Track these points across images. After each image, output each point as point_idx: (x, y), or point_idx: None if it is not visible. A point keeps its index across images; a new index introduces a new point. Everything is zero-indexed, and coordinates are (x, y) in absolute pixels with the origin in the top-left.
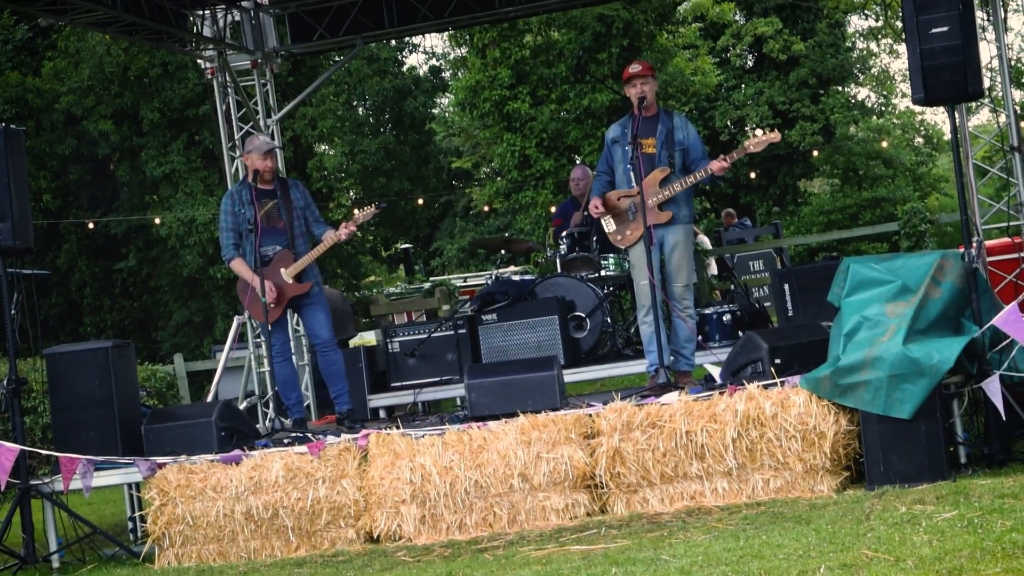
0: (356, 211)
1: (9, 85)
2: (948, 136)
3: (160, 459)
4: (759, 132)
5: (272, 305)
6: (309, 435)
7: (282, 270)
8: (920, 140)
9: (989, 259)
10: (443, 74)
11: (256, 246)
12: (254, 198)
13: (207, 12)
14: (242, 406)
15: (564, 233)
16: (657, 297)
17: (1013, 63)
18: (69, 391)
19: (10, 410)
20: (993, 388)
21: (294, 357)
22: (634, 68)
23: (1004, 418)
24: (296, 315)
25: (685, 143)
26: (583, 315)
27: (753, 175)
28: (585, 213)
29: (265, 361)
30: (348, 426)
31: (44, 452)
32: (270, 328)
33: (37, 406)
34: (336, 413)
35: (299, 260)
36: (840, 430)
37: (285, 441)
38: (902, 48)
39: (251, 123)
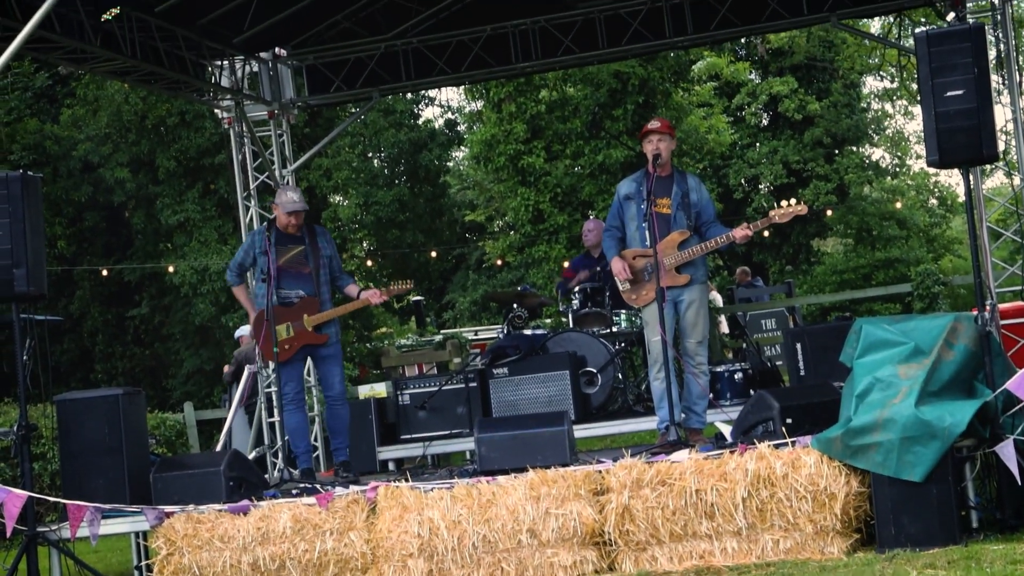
0: (393, 285)
1: (28, 132)
2: (962, 198)
3: (168, 508)
4: (785, 203)
5: (287, 347)
6: (317, 486)
7: (305, 316)
8: (934, 201)
9: (1002, 322)
10: (458, 127)
11: (269, 295)
12: (270, 246)
13: (225, 63)
14: (251, 455)
15: (577, 288)
16: (669, 354)
17: None
18: (79, 438)
19: (19, 456)
20: (1007, 452)
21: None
22: (653, 124)
23: (1019, 482)
24: (312, 364)
25: (699, 206)
26: (594, 371)
27: (767, 233)
28: (599, 268)
29: (273, 410)
30: (343, 476)
31: (52, 499)
32: (283, 375)
33: (46, 452)
34: (335, 463)
35: (324, 312)
36: (851, 492)
37: (293, 492)
38: (917, 110)
39: (267, 173)
